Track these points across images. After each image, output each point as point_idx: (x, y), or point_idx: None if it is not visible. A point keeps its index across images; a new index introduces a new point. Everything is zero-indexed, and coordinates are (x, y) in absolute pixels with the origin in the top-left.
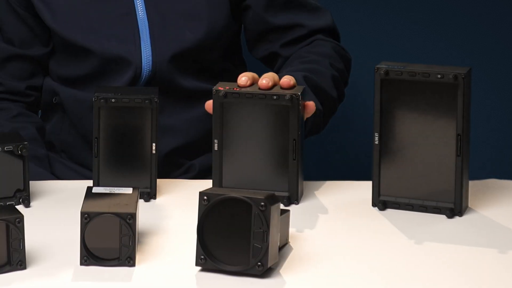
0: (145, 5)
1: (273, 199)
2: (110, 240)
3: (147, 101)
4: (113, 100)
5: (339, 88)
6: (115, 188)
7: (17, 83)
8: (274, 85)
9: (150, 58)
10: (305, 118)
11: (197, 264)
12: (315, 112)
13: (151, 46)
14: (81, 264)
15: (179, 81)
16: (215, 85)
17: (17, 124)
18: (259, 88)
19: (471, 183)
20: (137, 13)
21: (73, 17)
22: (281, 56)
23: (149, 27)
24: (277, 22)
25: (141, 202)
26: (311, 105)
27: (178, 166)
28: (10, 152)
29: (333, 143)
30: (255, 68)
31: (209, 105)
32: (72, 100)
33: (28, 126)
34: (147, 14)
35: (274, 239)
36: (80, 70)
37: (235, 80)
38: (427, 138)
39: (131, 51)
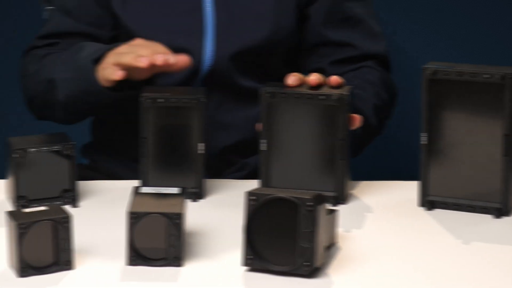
0: (213, 1)
1: (320, 199)
2: (157, 240)
3: (194, 101)
4: (161, 100)
5: (380, 117)
6: (163, 188)
7: None
8: (322, 83)
9: (212, 53)
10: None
11: (244, 264)
12: (353, 133)
13: (214, 42)
14: (128, 264)
15: (237, 79)
16: None
17: None
18: (309, 84)
19: None
20: (204, 8)
21: (142, 7)
22: (328, 73)
23: (214, 23)
24: (332, 37)
25: (188, 202)
26: (356, 118)
27: (231, 164)
28: (57, 152)
29: (380, 143)
30: None
31: (259, 127)
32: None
33: None
34: (214, 11)
35: (321, 239)
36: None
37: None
38: (475, 138)
39: (194, 44)
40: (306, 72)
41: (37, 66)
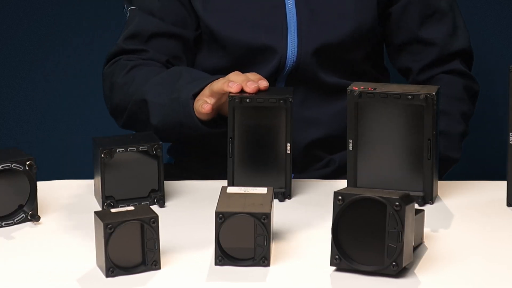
0: None
1: (407, 199)
2: (244, 240)
3: (281, 101)
4: (248, 100)
5: (462, 144)
6: (250, 188)
7: (160, 55)
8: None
9: (295, 49)
10: None
11: (331, 264)
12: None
13: (297, 38)
14: (216, 264)
15: (320, 75)
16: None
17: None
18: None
19: None
20: (286, 5)
21: (223, 6)
22: (413, 72)
23: (297, 20)
24: (418, 33)
25: (275, 201)
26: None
27: (317, 160)
28: (145, 152)
29: (467, 143)
30: (399, 79)
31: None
32: None
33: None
34: (296, 7)
35: (409, 239)
36: (225, 60)
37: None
38: None
39: (278, 41)
40: (396, 69)
41: (126, 79)
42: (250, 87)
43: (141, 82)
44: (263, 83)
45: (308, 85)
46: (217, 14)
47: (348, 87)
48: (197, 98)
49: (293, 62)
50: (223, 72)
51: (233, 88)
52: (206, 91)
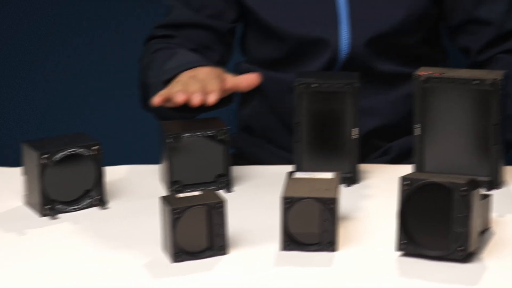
0: None
1: (474, 184)
2: (311, 225)
3: (347, 86)
4: (314, 85)
5: None
6: (317, 173)
7: (188, 43)
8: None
9: (348, 40)
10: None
11: (397, 249)
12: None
13: (350, 28)
14: (282, 249)
15: (375, 65)
16: (412, 69)
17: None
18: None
19: None
20: None
21: (273, 1)
22: (473, 53)
23: (348, 11)
24: (475, 13)
25: (342, 186)
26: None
27: (375, 148)
28: (211, 137)
29: None
30: (457, 57)
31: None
32: (271, 82)
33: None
34: None
35: (475, 224)
36: (278, 52)
37: (433, 66)
38: None
39: (330, 33)
40: (456, 49)
41: (147, 60)
42: (194, 100)
43: (152, 65)
44: (211, 98)
45: (363, 75)
46: (268, 7)
47: (403, 74)
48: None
49: (346, 53)
50: (280, 62)
51: (179, 99)
52: (172, 84)
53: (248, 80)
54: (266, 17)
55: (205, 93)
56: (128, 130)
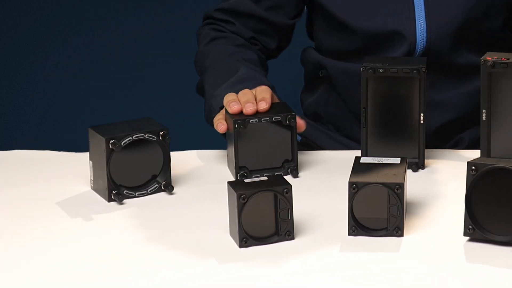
0: None
1: None
2: (378, 210)
3: (415, 71)
4: (381, 70)
5: None
6: (383, 158)
7: (246, 31)
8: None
9: (425, 34)
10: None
11: (465, 234)
12: None
13: (426, 21)
14: (349, 234)
15: (452, 56)
16: None
17: (240, 48)
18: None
19: None
20: None
21: None
22: None
23: (424, 3)
24: None
25: (409, 172)
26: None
27: (447, 140)
28: (278, 123)
29: None
30: None
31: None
32: (341, 74)
33: (250, 52)
34: None
35: None
36: (350, 45)
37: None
38: None
39: (406, 27)
40: None
41: (204, 49)
42: (247, 110)
43: (209, 63)
44: (262, 105)
45: (438, 69)
46: (341, 1)
47: (479, 65)
48: (219, 113)
49: (423, 47)
50: (351, 54)
51: (232, 109)
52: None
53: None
54: (337, 11)
55: (257, 102)
56: (195, 114)
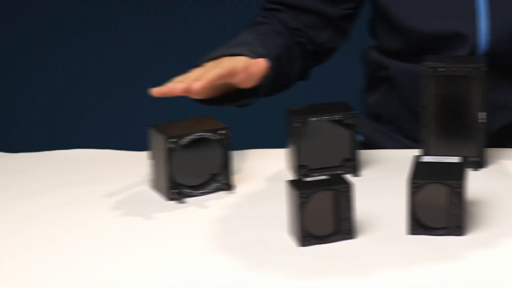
0: None
1: None
2: (438, 209)
3: (475, 70)
4: (441, 69)
5: None
6: (443, 157)
7: (292, 21)
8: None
9: (487, 36)
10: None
11: None
12: None
13: (489, 23)
14: (409, 233)
15: None
16: None
17: (269, 31)
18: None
19: None
20: None
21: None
22: None
23: (487, 4)
24: None
25: (469, 171)
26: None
27: (509, 142)
28: (339, 122)
29: None
30: None
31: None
32: (403, 74)
33: (280, 37)
34: None
35: None
36: (411, 46)
37: None
38: None
39: (468, 28)
40: None
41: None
42: (175, 89)
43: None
44: (195, 85)
45: (500, 71)
46: (399, 2)
47: None
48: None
49: (485, 49)
50: (411, 55)
51: (176, 90)
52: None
53: (258, 65)
54: (397, 13)
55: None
56: (255, 114)
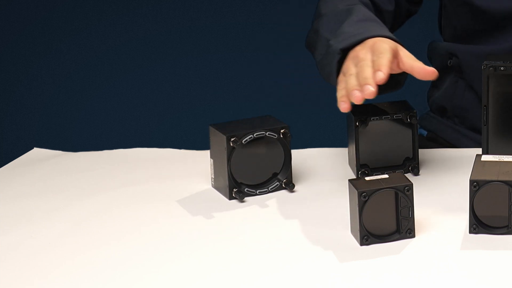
0: None
1: None
2: (499, 208)
3: None
4: (502, 68)
5: None
6: (504, 156)
7: None
8: None
9: None
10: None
11: None
12: None
13: None
14: (470, 232)
15: None
16: None
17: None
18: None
19: None
20: None
21: None
22: None
23: None
24: None
25: None
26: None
27: None
28: (399, 121)
29: None
30: None
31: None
32: (470, 56)
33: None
34: None
35: None
36: (477, 25)
37: None
38: None
39: None
40: None
41: (319, 3)
42: (355, 98)
43: (326, 8)
44: (379, 76)
45: None
46: None
47: None
48: (341, 88)
49: None
50: (482, 35)
51: (356, 99)
52: (348, 69)
53: (425, 72)
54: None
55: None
56: (315, 112)
